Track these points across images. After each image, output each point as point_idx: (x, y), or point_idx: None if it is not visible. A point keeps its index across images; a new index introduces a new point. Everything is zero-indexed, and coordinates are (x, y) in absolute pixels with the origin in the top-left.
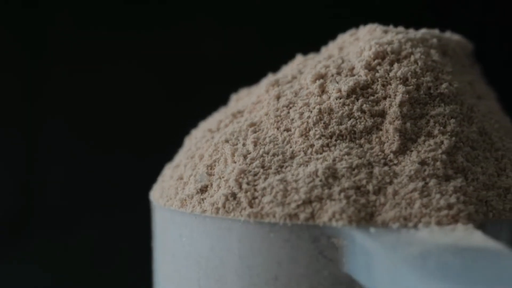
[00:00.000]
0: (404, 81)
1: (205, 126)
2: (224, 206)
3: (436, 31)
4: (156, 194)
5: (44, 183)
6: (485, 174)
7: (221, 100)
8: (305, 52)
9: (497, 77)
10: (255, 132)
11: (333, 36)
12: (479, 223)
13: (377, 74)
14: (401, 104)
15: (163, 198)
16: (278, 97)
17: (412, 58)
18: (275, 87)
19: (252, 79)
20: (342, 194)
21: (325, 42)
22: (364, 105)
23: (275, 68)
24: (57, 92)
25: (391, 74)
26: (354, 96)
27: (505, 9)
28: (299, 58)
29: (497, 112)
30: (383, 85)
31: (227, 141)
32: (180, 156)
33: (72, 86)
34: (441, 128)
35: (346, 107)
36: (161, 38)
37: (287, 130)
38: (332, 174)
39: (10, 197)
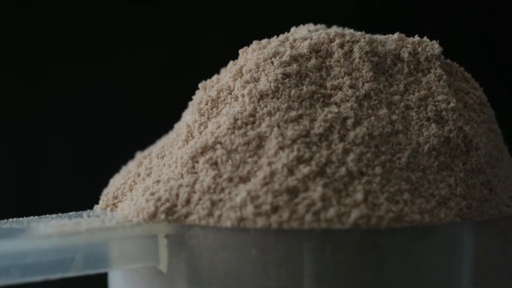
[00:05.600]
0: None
1: None
2: None
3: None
4: None
5: (42, 181)
6: (221, 177)
7: None
8: None
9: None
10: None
11: None
12: (177, 225)
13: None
14: (200, 102)
15: None
16: None
17: (250, 56)
18: None
19: None
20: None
21: None
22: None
23: None
24: (55, 87)
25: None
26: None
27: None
28: None
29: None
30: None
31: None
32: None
33: (71, 83)
34: (213, 129)
35: None
36: (159, 30)
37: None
38: (147, 168)
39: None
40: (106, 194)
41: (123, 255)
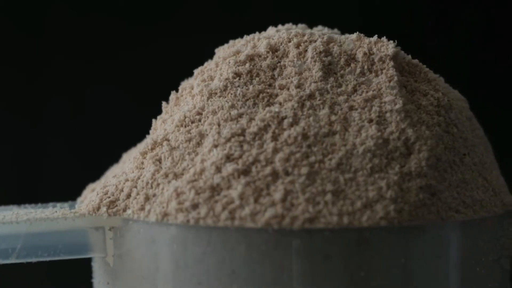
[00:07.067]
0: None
1: None
2: None
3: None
4: None
5: (42, 176)
6: (159, 173)
7: None
8: None
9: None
10: None
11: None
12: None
13: None
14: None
15: None
16: None
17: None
18: None
19: None
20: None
21: None
22: None
23: None
24: (55, 85)
25: None
26: None
27: None
28: None
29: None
30: None
31: None
32: None
33: (70, 80)
34: (167, 126)
35: None
36: (160, 28)
37: None
38: (124, 162)
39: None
40: (88, 187)
41: (70, 245)
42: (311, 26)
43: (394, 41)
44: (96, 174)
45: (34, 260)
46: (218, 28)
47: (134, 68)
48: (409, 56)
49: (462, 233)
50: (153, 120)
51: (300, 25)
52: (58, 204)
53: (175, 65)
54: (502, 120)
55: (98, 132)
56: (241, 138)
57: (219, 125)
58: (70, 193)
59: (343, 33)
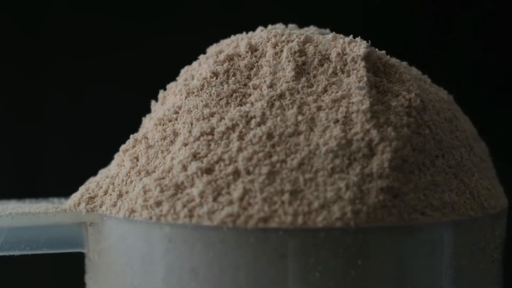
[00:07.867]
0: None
1: None
2: None
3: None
4: None
5: (43, 174)
6: (133, 170)
7: None
8: None
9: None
10: None
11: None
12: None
13: None
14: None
15: None
16: None
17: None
18: None
19: None
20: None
21: None
22: None
23: None
24: (54, 83)
25: None
26: None
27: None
28: None
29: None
30: None
31: None
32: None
33: (70, 78)
34: (149, 124)
35: None
36: (160, 25)
37: None
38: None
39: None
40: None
41: (52, 240)
42: (310, 26)
43: (367, 41)
44: (95, 173)
45: (17, 253)
46: (218, 28)
47: (134, 67)
48: (388, 57)
49: (427, 236)
50: (143, 119)
51: (290, 25)
52: (55, 200)
53: (175, 65)
54: (502, 120)
55: (98, 131)
56: (210, 137)
57: (191, 124)
58: (71, 193)
59: (345, 34)
